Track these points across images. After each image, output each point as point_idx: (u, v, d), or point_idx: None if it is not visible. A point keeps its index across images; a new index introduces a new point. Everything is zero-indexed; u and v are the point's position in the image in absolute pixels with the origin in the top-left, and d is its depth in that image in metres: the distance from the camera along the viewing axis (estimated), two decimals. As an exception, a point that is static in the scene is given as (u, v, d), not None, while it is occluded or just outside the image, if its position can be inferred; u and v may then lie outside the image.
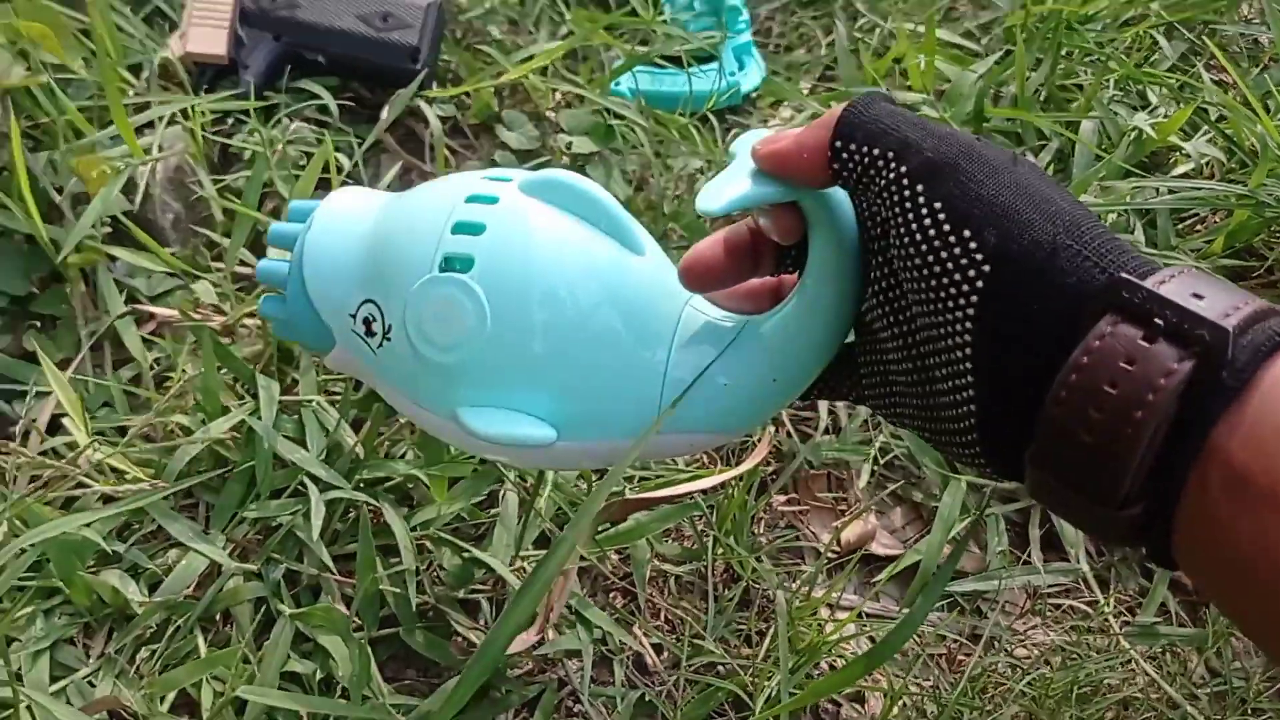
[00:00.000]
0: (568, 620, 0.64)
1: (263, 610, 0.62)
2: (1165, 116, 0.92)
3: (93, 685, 0.58)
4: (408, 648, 0.63)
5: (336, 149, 0.77)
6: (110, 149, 0.74)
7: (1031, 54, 0.95)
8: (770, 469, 0.72)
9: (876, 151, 0.38)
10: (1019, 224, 0.34)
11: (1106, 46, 0.97)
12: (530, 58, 0.87)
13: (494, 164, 0.83)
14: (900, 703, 0.63)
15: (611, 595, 0.67)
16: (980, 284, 0.35)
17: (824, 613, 0.67)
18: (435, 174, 0.81)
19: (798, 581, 0.68)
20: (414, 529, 0.65)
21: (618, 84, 0.89)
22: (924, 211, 0.36)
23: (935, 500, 0.71)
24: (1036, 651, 0.67)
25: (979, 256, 0.35)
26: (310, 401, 0.67)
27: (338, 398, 0.68)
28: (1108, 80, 0.94)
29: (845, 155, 0.39)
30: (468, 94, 0.86)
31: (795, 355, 0.44)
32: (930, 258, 0.36)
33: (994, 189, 0.35)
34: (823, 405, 0.74)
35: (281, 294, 0.48)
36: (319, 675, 0.60)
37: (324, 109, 0.81)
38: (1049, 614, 0.69)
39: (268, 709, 0.57)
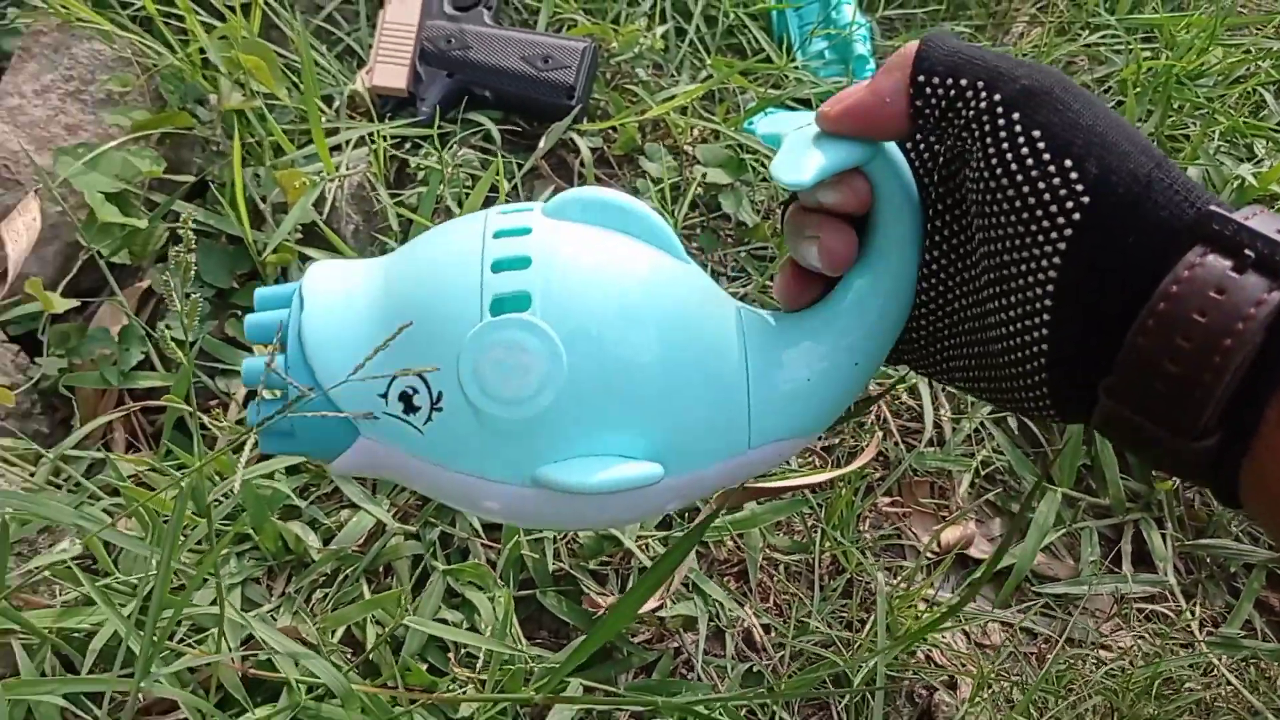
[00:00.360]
0: (685, 594, 0.71)
1: (419, 567, 0.71)
2: (1268, 167, 0.96)
3: (274, 619, 0.68)
4: (541, 610, 0.70)
5: (497, 172, 0.87)
6: (305, 166, 0.84)
7: (1143, 105, 1.00)
8: (877, 474, 0.78)
9: (964, 82, 0.37)
10: (1118, 155, 0.34)
11: (1215, 101, 1.02)
12: (672, 97, 0.96)
13: (636, 192, 0.92)
14: (989, 689, 0.68)
15: (725, 578, 0.74)
16: (1077, 216, 0.34)
17: (920, 606, 0.73)
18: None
19: (898, 577, 0.74)
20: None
21: (750, 123, 0.97)
22: (1020, 140, 0.35)
23: (1031, 511, 0.76)
24: (1119, 652, 0.72)
25: (1079, 187, 0.34)
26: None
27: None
28: (1213, 131, 0.99)
29: (928, 91, 0.37)
30: (615, 128, 0.95)
31: (874, 332, 0.42)
32: (1025, 188, 0.35)
33: (1091, 118, 0.34)
34: (928, 418, 0.80)
35: (276, 395, 0.41)
36: (465, 625, 0.68)
37: (489, 137, 0.91)
38: (1135, 619, 0.73)
39: (420, 646, 0.66)
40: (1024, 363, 0.37)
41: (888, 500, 0.78)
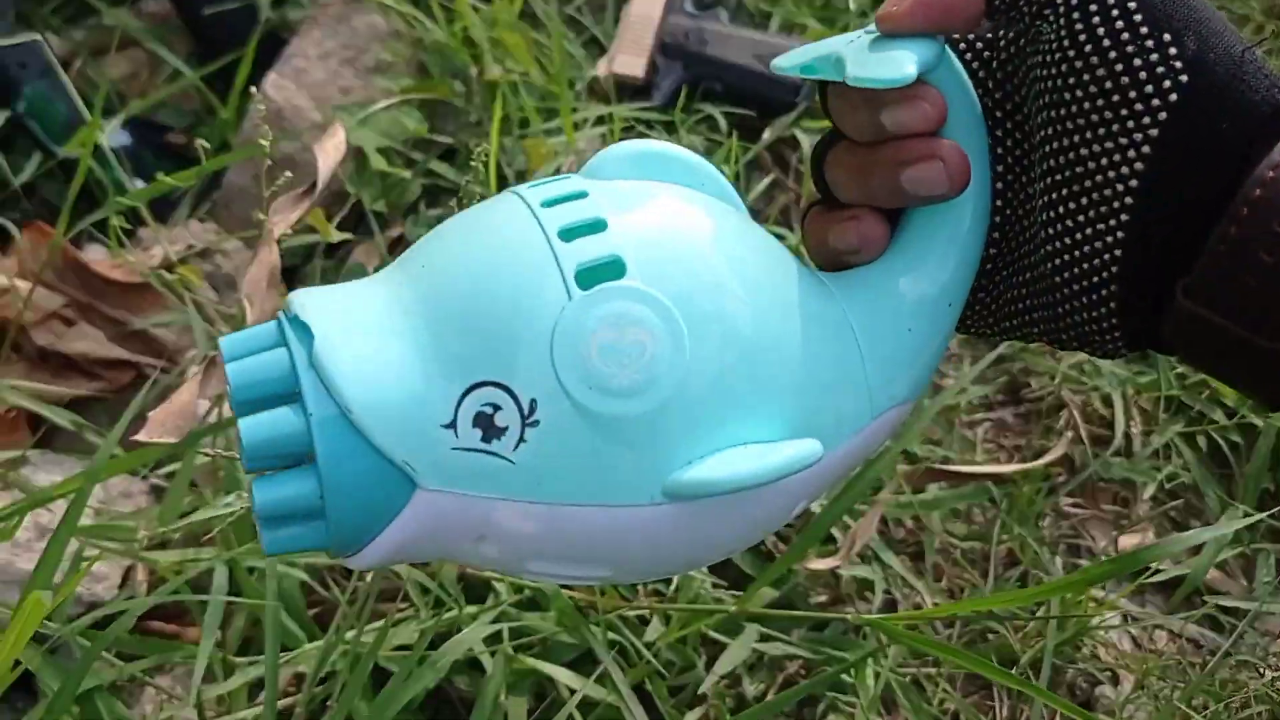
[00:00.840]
0: (865, 558, 0.75)
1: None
2: None
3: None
4: (727, 560, 0.75)
5: (729, 154, 0.93)
6: (548, 139, 0.93)
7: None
8: (1061, 476, 0.81)
9: None
10: (1214, 31, 0.32)
11: None
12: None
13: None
14: (1150, 688, 0.70)
15: (901, 557, 0.77)
16: (1174, 97, 0.32)
17: (1090, 607, 0.75)
18: (800, 190, 0.95)
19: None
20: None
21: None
22: (1114, 14, 0.32)
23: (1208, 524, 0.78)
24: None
25: (1178, 64, 0.31)
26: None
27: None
28: None
29: None
30: (832, 130, 1.00)
31: (960, 267, 0.38)
32: (1119, 66, 0.32)
33: None
34: (1119, 428, 0.82)
35: (281, 468, 0.32)
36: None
37: (715, 127, 0.97)
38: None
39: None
40: (1093, 274, 0.34)
41: (1069, 501, 0.80)
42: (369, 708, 0.60)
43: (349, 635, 0.61)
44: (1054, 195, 0.35)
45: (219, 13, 0.95)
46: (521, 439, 0.31)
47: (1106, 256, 0.33)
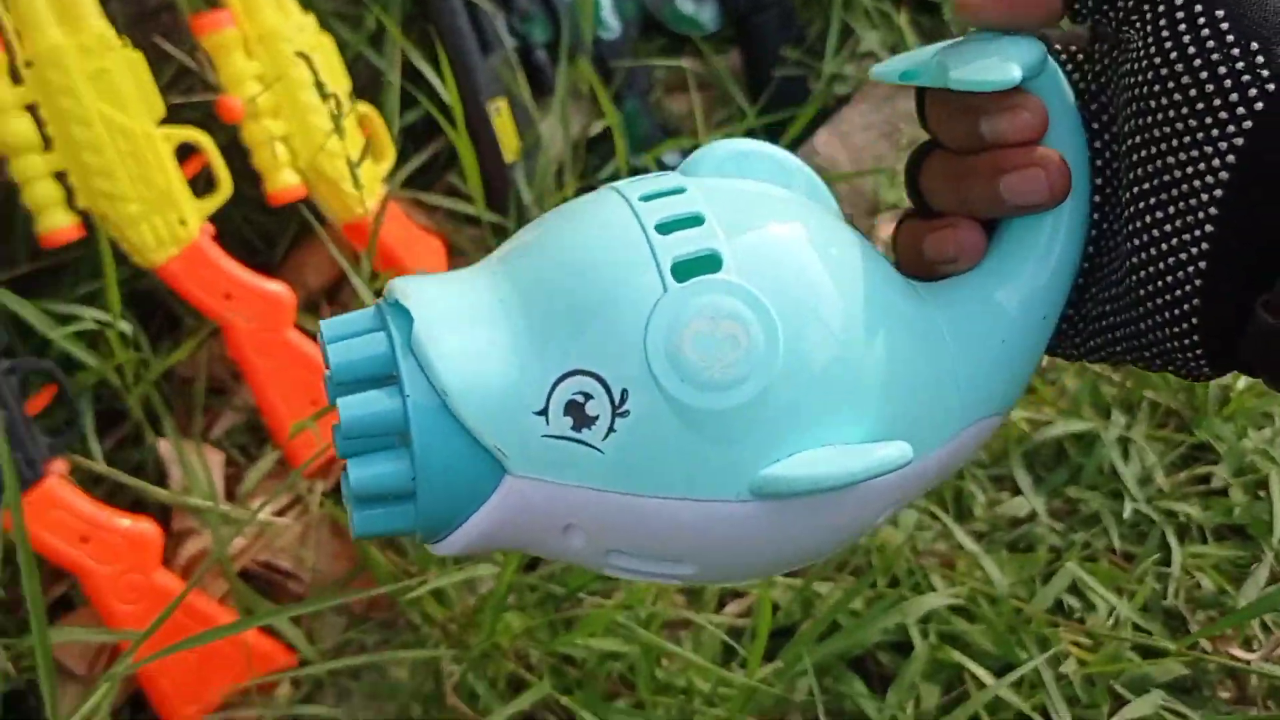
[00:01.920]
0: None
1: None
2: None
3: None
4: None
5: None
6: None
7: None
8: None
9: None
10: None
11: None
12: None
13: None
14: None
15: None
16: (1260, 105, 0.31)
17: None
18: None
19: None
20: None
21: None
22: (1200, 22, 0.32)
23: None
24: None
25: (1264, 73, 0.31)
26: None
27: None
28: None
29: None
30: None
31: (1057, 278, 0.38)
32: (1203, 74, 0.32)
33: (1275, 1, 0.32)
34: None
35: (369, 450, 0.32)
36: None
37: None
38: None
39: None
40: (1175, 288, 0.34)
41: None
42: (814, 649, 0.72)
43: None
44: (1139, 206, 0.35)
45: (786, 76, 1.13)
46: (611, 428, 0.32)
47: (1190, 269, 0.33)
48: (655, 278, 0.32)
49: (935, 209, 0.39)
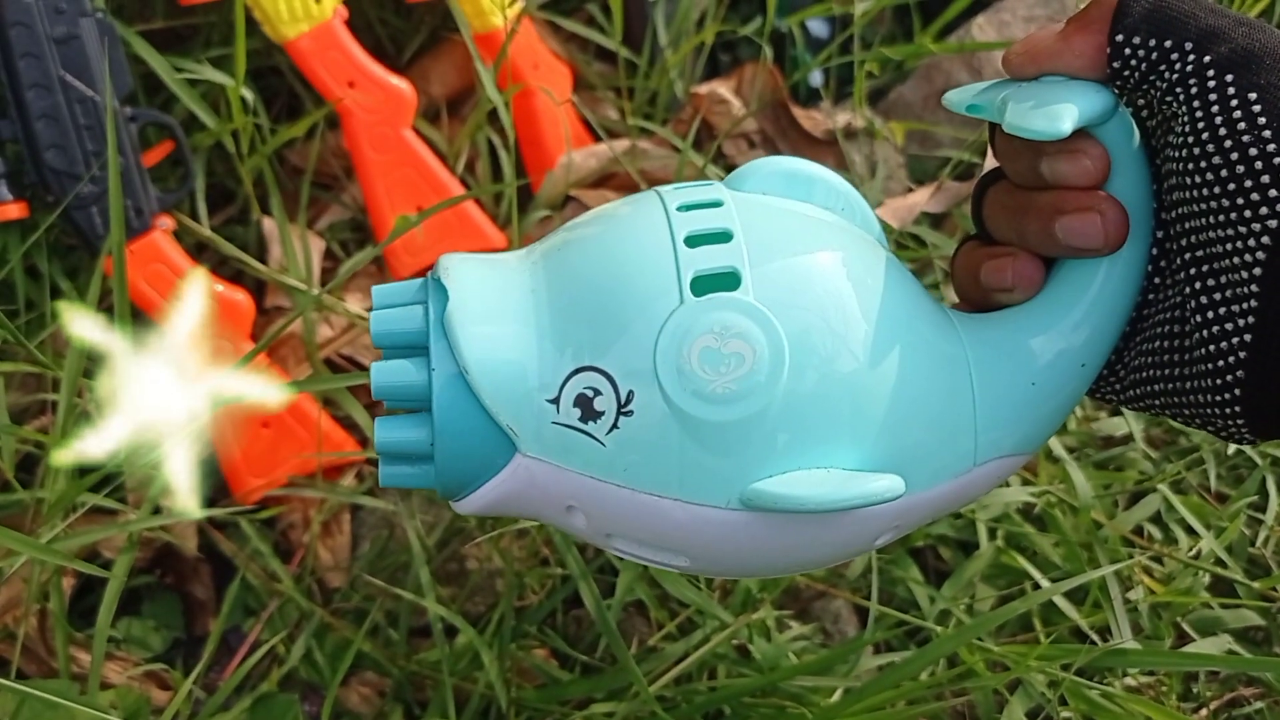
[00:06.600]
0: None
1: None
2: None
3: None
4: None
5: None
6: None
7: None
8: None
9: (1169, 43, 0.34)
10: None
11: None
12: None
13: None
14: None
15: None
16: None
17: None
18: None
19: None
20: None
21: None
22: (1233, 104, 0.32)
23: None
24: None
25: None
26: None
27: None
28: None
29: (1128, 51, 0.34)
30: None
31: (1103, 328, 0.37)
32: (1235, 155, 0.32)
33: None
34: None
35: (405, 412, 0.36)
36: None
37: None
38: None
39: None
40: (1219, 357, 0.34)
41: None
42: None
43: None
44: (1188, 272, 0.35)
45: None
46: (615, 425, 0.34)
47: (1235, 340, 0.33)
48: (674, 289, 0.34)
49: (995, 238, 0.39)
